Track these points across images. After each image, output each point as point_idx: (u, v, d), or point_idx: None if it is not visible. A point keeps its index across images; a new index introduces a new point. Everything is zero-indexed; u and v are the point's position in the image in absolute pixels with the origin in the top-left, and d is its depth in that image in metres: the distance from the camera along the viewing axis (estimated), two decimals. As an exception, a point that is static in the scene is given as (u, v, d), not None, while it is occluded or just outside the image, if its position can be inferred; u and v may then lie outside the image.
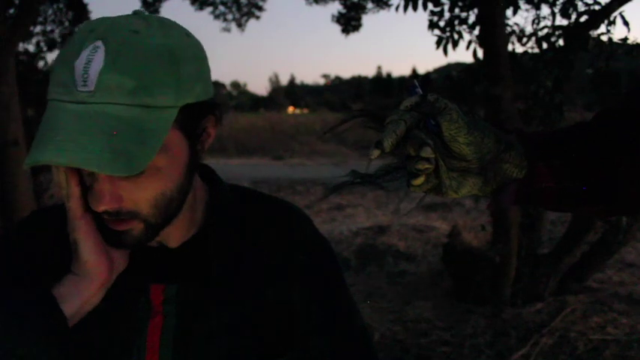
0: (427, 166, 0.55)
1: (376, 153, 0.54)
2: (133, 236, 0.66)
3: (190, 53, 0.64)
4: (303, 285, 0.76)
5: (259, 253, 0.75)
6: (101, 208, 0.62)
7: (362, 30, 8.02)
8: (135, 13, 0.66)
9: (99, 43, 0.59)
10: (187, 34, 0.66)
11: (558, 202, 0.66)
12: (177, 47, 0.63)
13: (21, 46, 5.70)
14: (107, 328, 0.70)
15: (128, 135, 0.57)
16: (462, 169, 0.60)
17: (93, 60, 0.58)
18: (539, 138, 0.66)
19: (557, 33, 3.47)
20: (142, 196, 0.64)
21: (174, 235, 0.74)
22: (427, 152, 0.54)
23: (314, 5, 8.12)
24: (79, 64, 0.59)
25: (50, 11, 6.18)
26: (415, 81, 0.60)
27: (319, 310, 0.76)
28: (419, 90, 0.59)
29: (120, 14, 0.66)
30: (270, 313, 0.73)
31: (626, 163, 0.63)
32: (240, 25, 8.79)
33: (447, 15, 3.65)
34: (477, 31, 3.64)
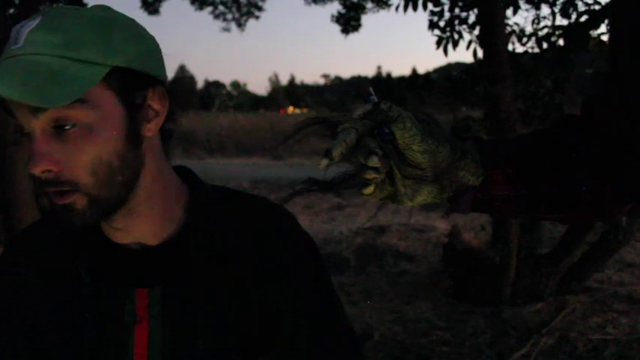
0: (374, 175, 0.55)
1: (324, 162, 0.54)
2: (77, 212, 0.65)
3: (126, 26, 0.68)
4: (288, 283, 0.75)
5: (242, 252, 0.75)
6: (37, 169, 0.62)
7: (362, 30, 8.02)
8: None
9: (39, 16, 0.64)
10: (132, 19, 0.70)
11: (515, 209, 0.66)
12: (115, 19, 0.67)
13: (21, 46, 5.70)
14: (95, 339, 0.69)
15: (46, 75, 0.60)
16: (417, 177, 0.60)
17: (27, 24, 0.63)
18: (496, 146, 0.66)
19: (557, 33, 3.47)
20: (78, 159, 0.64)
21: (147, 230, 0.73)
22: (374, 162, 0.54)
23: (313, 5, 8.13)
24: (14, 30, 0.63)
25: (50, 11, 6.18)
26: (370, 89, 0.60)
27: (304, 308, 0.76)
28: (374, 97, 0.58)
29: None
30: (254, 311, 0.73)
31: (584, 170, 0.63)
32: (240, 25, 8.80)
33: (447, 15, 3.66)
34: (477, 31, 3.64)
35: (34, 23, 0.63)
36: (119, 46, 0.65)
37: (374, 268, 4.30)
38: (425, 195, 0.61)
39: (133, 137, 0.68)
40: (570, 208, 0.65)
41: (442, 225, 5.37)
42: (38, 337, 0.71)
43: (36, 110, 0.62)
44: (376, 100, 0.58)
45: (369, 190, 0.57)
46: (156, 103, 0.70)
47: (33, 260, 0.75)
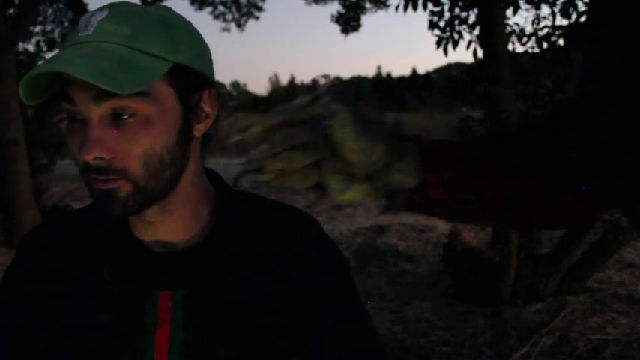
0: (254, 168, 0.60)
1: (237, 136, 0.60)
2: (119, 198, 0.65)
3: (186, 27, 0.70)
4: (313, 289, 0.75)
5: (267, 258, 0.75)
6: (90, 156, 0.63)
7: (362, 30, 8.02)
8: None
9: (106, 9, 0.65)
10: (190, 22, 0.72)
11: (449, 213, 0.68)
12: (177, 20, 0.69)
13: (21, 46, 5.71)
14: (114, 340, 0.69)
15: (116, 62, 0.61)
16: (349, 174, 0.61)
17: (96, 14, 0.65)
18: (438, 148, 0.66)
19: (557, 33, 3.47)
20: (132, 149, 0.64)
21: (175, 230, 0.73)
22: (254, 154, 0.59)
23: (313, 5, 8.13)
24: (84, 18, 0.65)
25: (50, 11, 6.19)
26: (324, 78, 0.63)
27: (330, 314, 0.76)
28: (322, 89, 0.61)
29: None
30: (278, 318, 0.73)
31: (584, 171, 0.63)
32: (239, 25, 8.81)
33: (447, 15, 3.66)
34: (477, 31, 3.64)
35: (104, 14, 0.64)
36: (181, 45, 0.67)
37: (374, 268, 4.30)
38: (355, 192, 0.62)
39: (185, 135, 0.69)
40: (516, 213, 0.66)
41: (442, 225, 5.37)
42: (53, 335, 0.71)
43: (99, 97, 0.62)
44: (324, 92, 0.60)
45: (267, 177, 0.61)
46: (208, 106, 0.71)
47: (50, 258, 0.74)
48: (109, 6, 0.66)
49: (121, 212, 0.66)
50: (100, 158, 0.63)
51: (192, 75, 0.68)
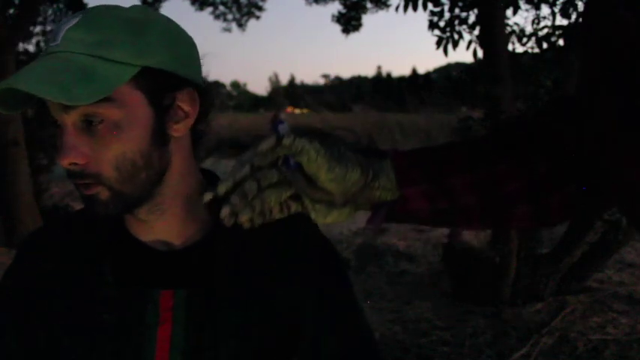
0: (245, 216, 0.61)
1: (207, 197, 0.61)
2: (100, 201, 0.67)
3: (161, 28, 0.68)
4: (312, 289, 0.76)
5: (267, 257, 0.75)
6: (64, 162, 0.65)
7: (362, 30, 8.02)
8: None
9: (79, 15, 0.66)
10: (171, 21, 0.71)
11: (433, 220, 0.69)
12: (151, 21, 0.68)
13: (21, 46, 5.70)
14: (114, 340, 0.69)
15: (77, 73, 0.62)
16: (328, 201, 0.64)
17: (67, 22, 0.65)
18: (413, 160, 0.67)
19: (557, 33, 3.47)
20: (104, 154, 0.65)
21: (171, 229, 0.73)
22: (225, 211, 0.60)
23: (314, 5, 8.14)
24: (55, 28, 0.66)
25: (50, 11, 6.18)
26: (282, 114, 0.63)
27: (328, 314, 0.76)
28: (282, 125, 0.61)
29: None
30: (277, 317, 0.73)
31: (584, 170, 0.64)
32: (240, 25, 8.81)
33: (447, 15, 3.66)
34: (477, 31, 3.64)
35: (73, 22, 0.65)
36: (151, 47, 0.66)
37: (374, 268, 4.30)
38: (336, 215, 0.65)
39: (159, 137, 0.69)
40: (488, 220, 0.67)
41: (442, 225, 5.36)
42: (53, 335, 0.71)
43: (66, 106, 0.63)
44: (286, 127, 0.61)
45: (245, 224, 0.62)
46: (186, 105, 0.71)
47: (50, 259, 0.75)
48: (83, 12, 0.66)
49: (104, 214, 0.68)
50: (75, 164, 0.65)
51: (165, 77, 0.68)
